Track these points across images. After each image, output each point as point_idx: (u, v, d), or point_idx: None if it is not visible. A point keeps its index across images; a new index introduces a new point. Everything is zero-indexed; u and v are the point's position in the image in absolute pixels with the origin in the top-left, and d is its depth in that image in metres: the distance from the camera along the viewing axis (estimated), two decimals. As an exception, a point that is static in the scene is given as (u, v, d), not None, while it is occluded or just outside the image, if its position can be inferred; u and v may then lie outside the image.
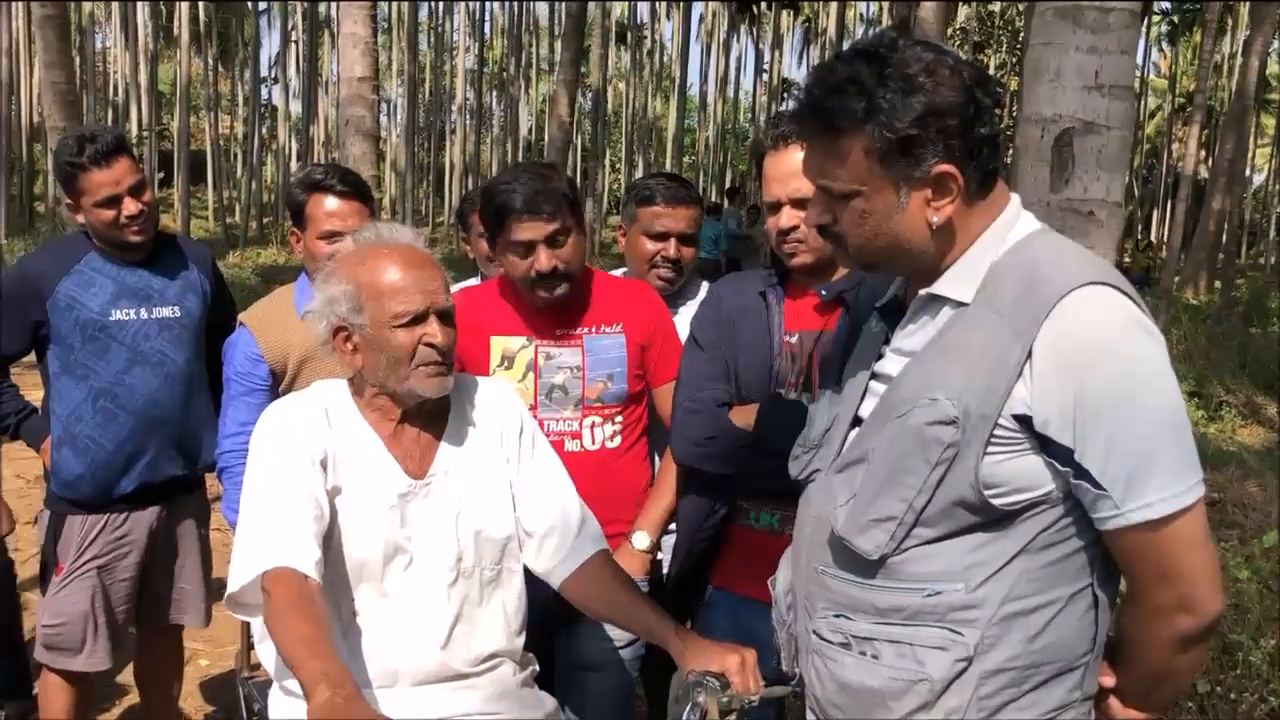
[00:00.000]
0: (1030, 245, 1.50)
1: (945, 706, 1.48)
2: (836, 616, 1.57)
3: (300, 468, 1.87)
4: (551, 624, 2.41)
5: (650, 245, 2.94)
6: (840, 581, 1.56)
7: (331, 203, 2.78)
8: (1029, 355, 1.40)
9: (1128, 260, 21.85)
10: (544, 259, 2.43)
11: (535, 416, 2.39)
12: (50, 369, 3.03)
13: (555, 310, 2.54)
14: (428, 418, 2.02)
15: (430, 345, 1.91)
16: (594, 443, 2.53)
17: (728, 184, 33.83)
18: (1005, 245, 1.50)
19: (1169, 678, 1.54)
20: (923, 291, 1.54)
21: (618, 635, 2.50)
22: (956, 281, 1.51)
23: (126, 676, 3.56)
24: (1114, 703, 1.57)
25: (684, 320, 2.68)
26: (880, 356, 1.63)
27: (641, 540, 2.53)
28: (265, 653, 2.04)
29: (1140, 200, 41.45)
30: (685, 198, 2.97)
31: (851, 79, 1.44)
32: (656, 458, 2.71)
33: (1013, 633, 1.46)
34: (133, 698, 3.63)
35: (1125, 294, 1.42)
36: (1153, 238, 37.18)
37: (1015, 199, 1.56)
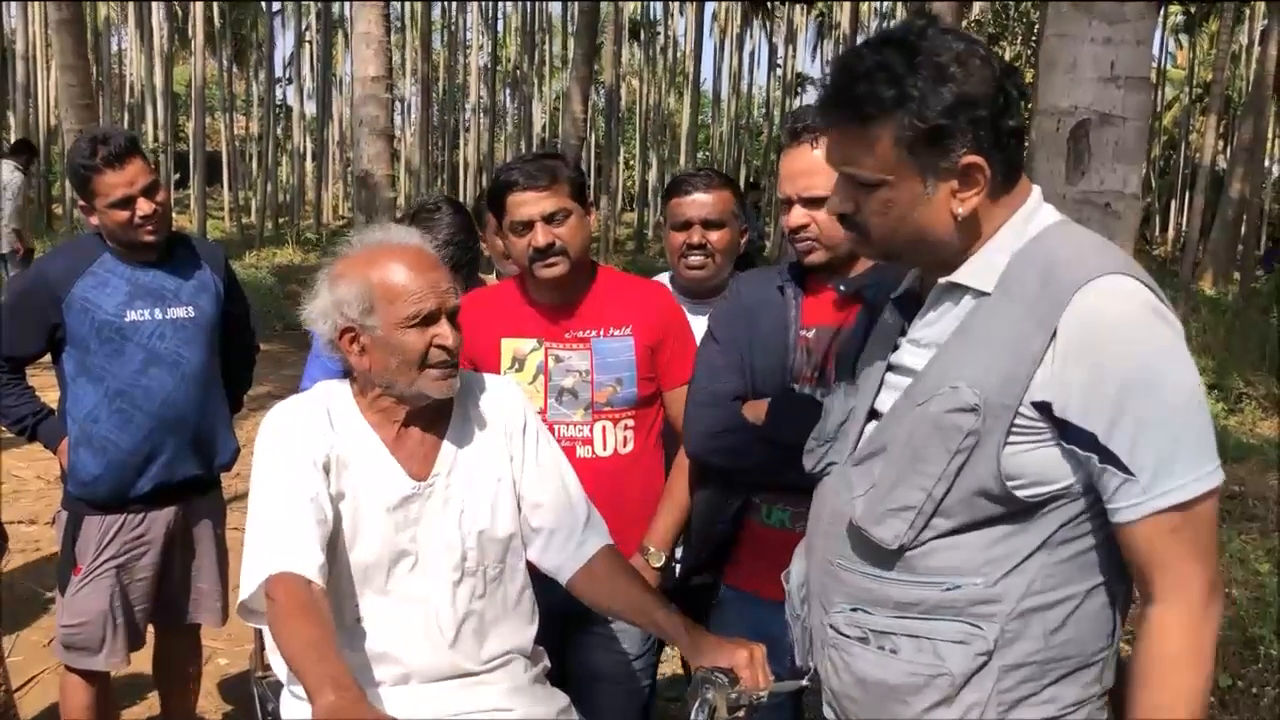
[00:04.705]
0: (1050, 236, 1.50)
1: (965, 702, 1.47)
2: (854, 610, 1.56)
3: (304, 471, 1.87)
4: (561, 632, 2.39)
5: (678, 236, 2.93)
6: (857, 575, 1.55)
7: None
8: (1050, 343, 1.39)
9: None
10: (540, 235, 2.43)
11: (545, 420, 2.38)
12: (66, 370, 3.04)
13: (564, 310, 2.53)
14: (431, 418, 2.01)
15: (441, 346, 1.91)
16: (605, 448, 2.50)
17: (744, 180, 33.67)
18: (1026, 236, 1.50)
19: (1201, 664, 1.39)
20: (942, 280, 1.53)
21: (630, 645, 2.49)
22: (977, 271, 1.50)
23: (145, 675, 3.57)
24: None
25: None
26: (896, 348, 1.62)
27: (657, 559, 2.48)
28: (278, 659, 2.04)
29: (1158, 191, 41.16)
30: (706, 184, 2.94)
31: (881, 65, 1.42)
32: None
33: (1032, 627, 1.45)
34: (151, 696, 3.64)
35: (1143, 283, 1.42)
36: (1170, 229, 36.93)
37: (1037, 191, 1.55)
